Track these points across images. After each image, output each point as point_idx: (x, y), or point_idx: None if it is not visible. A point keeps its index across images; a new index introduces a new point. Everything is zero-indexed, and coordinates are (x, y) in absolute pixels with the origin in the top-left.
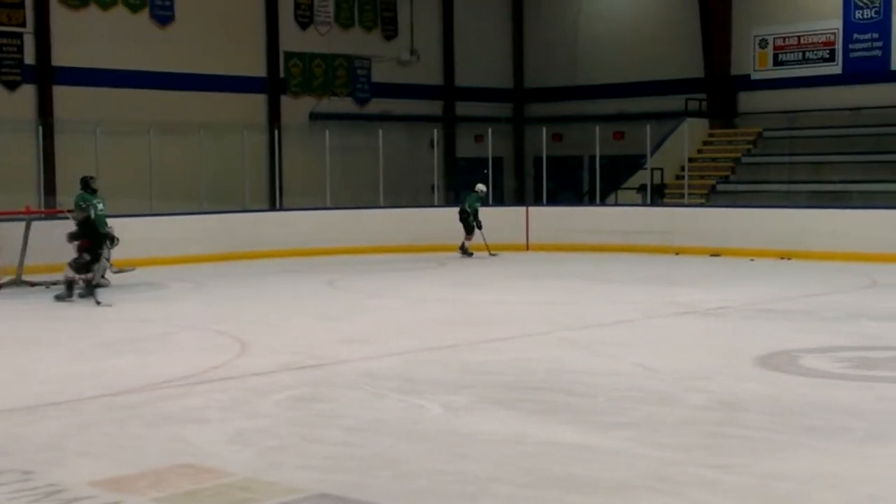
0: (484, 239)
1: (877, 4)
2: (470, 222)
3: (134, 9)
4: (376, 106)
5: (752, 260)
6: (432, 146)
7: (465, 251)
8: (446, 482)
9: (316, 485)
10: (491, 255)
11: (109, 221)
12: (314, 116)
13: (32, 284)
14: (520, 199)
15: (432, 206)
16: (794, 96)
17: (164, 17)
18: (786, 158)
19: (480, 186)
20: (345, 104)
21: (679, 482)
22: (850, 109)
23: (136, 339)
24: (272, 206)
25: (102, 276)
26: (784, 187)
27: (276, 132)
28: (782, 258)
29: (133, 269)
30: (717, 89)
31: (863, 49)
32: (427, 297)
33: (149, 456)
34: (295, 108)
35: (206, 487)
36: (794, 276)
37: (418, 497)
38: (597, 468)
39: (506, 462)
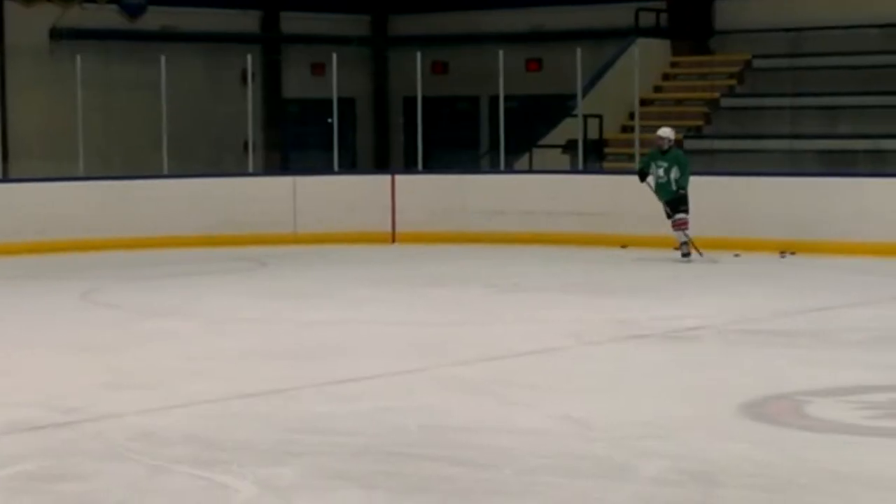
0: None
1: None
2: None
3: None
4: (156, 18)
5: (736, 255)
6: (245, 81)
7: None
8: None
9: None
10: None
11: None
12: (58, 34)
13: None
14: (381, 164)
15: (246, 174)
16: (799, 5)
17: None
18: (787, 101)
19: (665, 131)
20: (106, 15)
21: None
22: (881, 27)
23: None
24: None
25: None
26: (784, 144)
27: None
28: (782, 253)
29: None
30: None
31: None
32: (237, 315)
33: None
34: (27, 21)
35: None
36: (799, 280)
37: None
38: None
39: None
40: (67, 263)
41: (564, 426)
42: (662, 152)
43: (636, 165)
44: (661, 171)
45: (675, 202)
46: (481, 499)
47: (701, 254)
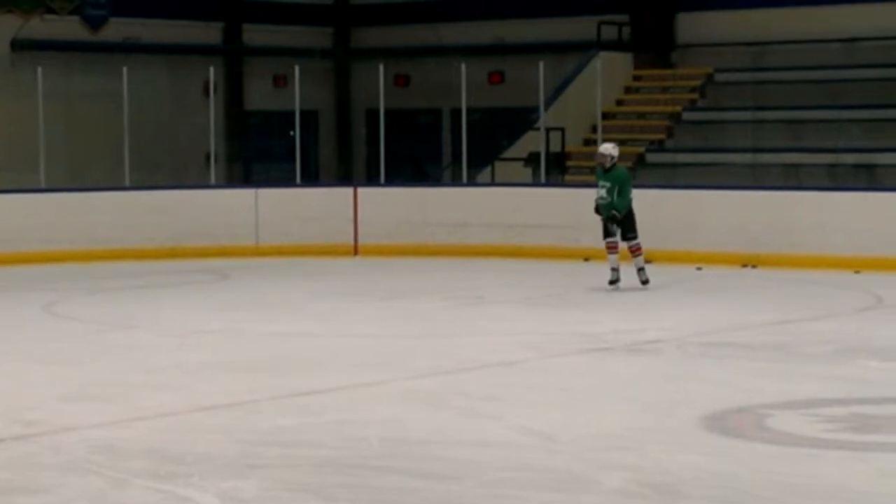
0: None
1: None
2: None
3: None
4: (118, 29)
5: (698, 269)
6: (207, 93)
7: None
8: None
9: None
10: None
11: None
12: (19, 45)
13: None
14: (344, 176)
15: (208, 186)
16: (762, 19)
17: None
18: (749, 114)
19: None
20: (68, 26)
21: None
22: (844, 41)
23: None
24: None
25: None
26: (747, 158)
27: None
28: (744, 265)
29: None
30: (646, 8)
31: None
32: (198, 328)
33: None
34: None
35: None
36: (762, 294)
37: None
38: None
39: None
40: (29, 275)
41: (527, 438)
42: (605, 170)
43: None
44: (603, 192)
45: (621, 224)
46: None
47: (646, 283)
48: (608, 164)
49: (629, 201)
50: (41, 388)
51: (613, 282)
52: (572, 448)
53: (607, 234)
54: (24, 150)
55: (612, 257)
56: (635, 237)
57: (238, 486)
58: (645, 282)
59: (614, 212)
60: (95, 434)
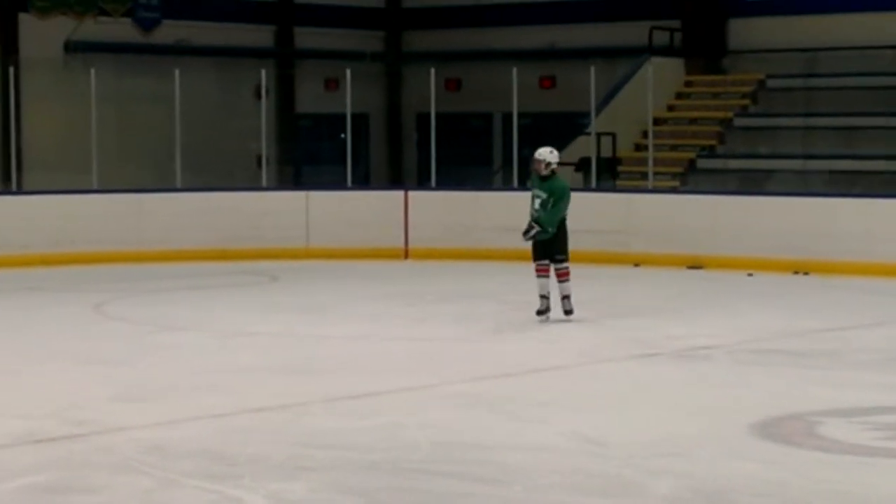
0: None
1: None
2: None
3: None
4: (170, 32)
5: (749, 275)
6: (258, 95)
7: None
8: None
9: None
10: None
11: None
12: (72, 47)
13: None
14: (394, 179)
15: (259, 188)
16: (814, 25)
17: None
18: (800, 120)
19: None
20: (121, 29)
21: None
22: (895, 48)
23: None
24: (5, 187)
25: None
26: (798, 164)
27: (13, 70)
28: (795, 272)
29: None
30: (698, 13)
31: None
32: (248, 329)
33: None
34: (42, 34)
35: None
36: (812, 300)
37: None
38: None
39: None
40: (79, 276)
41: (576, 444)
42: (542, 178)
43: (648, 185)
44: (537, 203)
45: (550, 244)
46: None
47: (569, 312)
48: (544, 172)
49: (563, 218)
50: (91, 388)
51: (542, 311)
52: (622, 454)
53: (537, 255)
54: (77, 151)
55: (543, 282)
56: (565, 259)
57: (287, 487)
58: (568, 311)
59: (538, 227)
60: (145, 434)
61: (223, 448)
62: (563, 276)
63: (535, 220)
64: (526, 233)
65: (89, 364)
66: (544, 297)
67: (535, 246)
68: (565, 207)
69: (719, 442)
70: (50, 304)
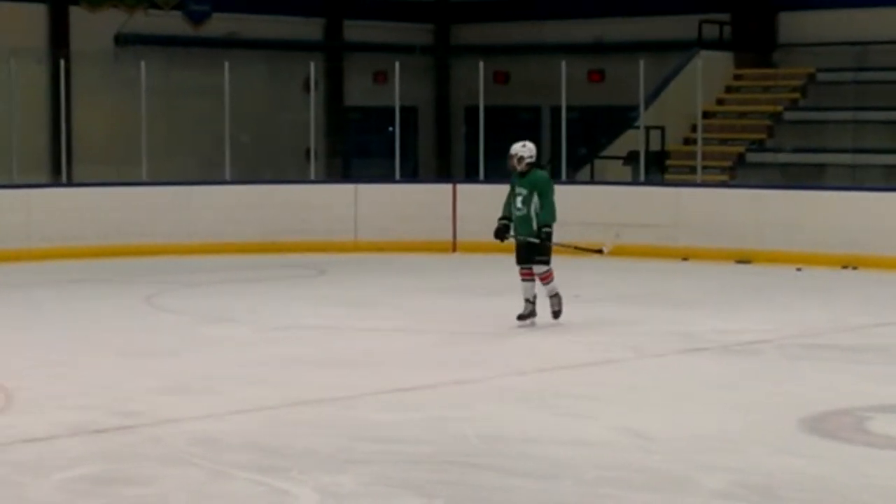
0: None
1: None
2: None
3: None
4: (219, 25)
5: (798, 269)
6: (307, 88)
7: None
8: None
9: None
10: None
11: None
12: (123, 40)
13: None
14: (443, 172)
15: (307, 181)
16: (864, 19)
17: None
18: (850, 114)
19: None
20: (171, 22)
21: None
22: None
23: None
24: (55, 180)
25: None
26: (848, 158)
27: (63, 63)
28: (845, 267)
29: None
30: (747, 7)
31: None
32: (297, 321)
33: None
34: (92, 27)
35: None
36: (862, 295)
37: None
38: None
39: None
40: (129, 268)
41: (625, 438)
42: (520, 175)
43: (697, 179)
44: (518, 201)
45: (530, 247)
46: None
47: (557, 314)
48: (520, 167)
49: (554, 211)
50: (141, 379)
51: (526, 316)
52: (671, 448)
53: (521, 257)
54: (127, 143)
55: (527, 286)
56: (545, 262)
57: (336, 480)
58: (557, 313)
59: (546, 229)
60: (194, 426)
61: (272, 440)
62: (545, 280)
63: (525, 220)
64: (497, 234)
65: (139, 356)
66: (529, 302)
67: (518, 249)
68: (553, 201)
69: (768, 437)
70: (100, 296)
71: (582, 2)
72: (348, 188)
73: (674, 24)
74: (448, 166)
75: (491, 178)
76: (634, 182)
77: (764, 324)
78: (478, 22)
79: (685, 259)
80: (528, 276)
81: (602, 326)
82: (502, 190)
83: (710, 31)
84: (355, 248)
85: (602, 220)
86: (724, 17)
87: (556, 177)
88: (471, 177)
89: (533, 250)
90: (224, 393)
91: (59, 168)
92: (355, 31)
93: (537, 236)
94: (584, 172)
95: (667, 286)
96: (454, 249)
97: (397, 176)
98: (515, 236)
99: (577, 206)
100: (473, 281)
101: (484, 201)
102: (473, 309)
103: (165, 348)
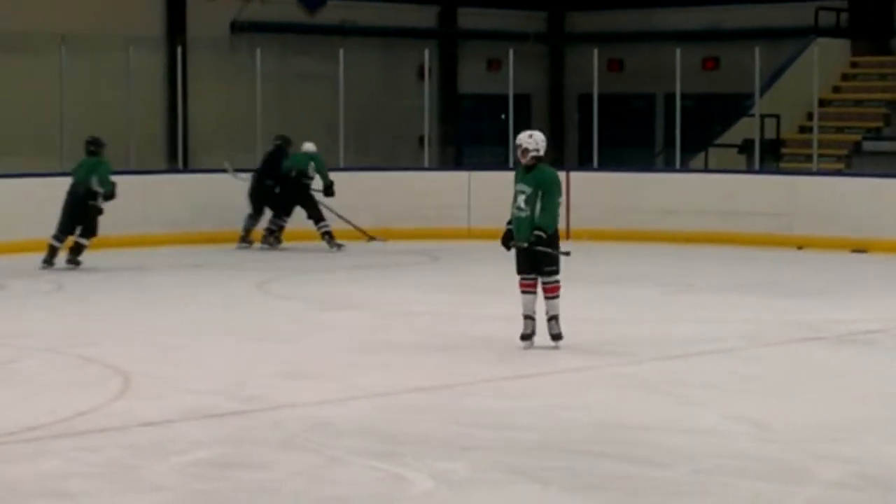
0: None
1: None
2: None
3: None
4: (335, 12)
5: None
6: (421, 76)
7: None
8: None
9: None
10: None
11: None
12: (238, 27)
13: None
14: (556, 160)
15: (421, 168)
16: None
17: None
18: None
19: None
20: (286, 9)
21: None
22: None
23: None
24: (171, 166)
25: None
26: None
27: (180, 50)
28: None
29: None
30: None
31: None
32: (410, 308)
33: None
34: (209, 15)
35: None
36: None
37: None
38: None
39: None
40: (243, 254)
41: (740, 427)
42: (526, 169)
43: (812, 167)
44: (521, 200)
45: (537, 253)
46: (656, 498)
47: (557, 337)
48: (525, 160)
49: (557, 216)
50: (257, 365)
51: (527, 336)
52: (787, 438)
53: (523, 267)
54: (242, 130)
55: (527, 300)
56: (555, 272)
57: (451, 467)
58: (556, 336)
59: (538, 232)
60: (311, 412)
61: (387, 426)
62: (551, 293)
63: (526, 221)
64: (504, 241)
65: (254, 341)
66: (529, 319)
67: (518, 256)
68: (558, 203)
69: (885, 427)
70: (215, 281)
71: None
72: (461, 175)
73: (790, 10)
74: (561, 154)
75: (604, 166)
76: (749, 170)
77: (880, 313)
78: (592, 9)
79: (800, 248)
80: (529, 288)
81: (716, 314)
82: (616, 178)
83: (827, 18)
84: (468, 235)
85: (716, 209)
86: (842, 4)
87: (668, 168)
88: (584, 164)
89: (539, 258)
90: (340, 379)
91: (176, 155)
92: (469, 18)
93: (537, 239)
94: (699, 160)
95: (782, 275)
96: (567, 237)
97: (510, 164)
98: (516, 242)
99: (690, 193)
100: (587, 269)
101: (598, 189)
102: (587, 297)
103: (280, 334)
